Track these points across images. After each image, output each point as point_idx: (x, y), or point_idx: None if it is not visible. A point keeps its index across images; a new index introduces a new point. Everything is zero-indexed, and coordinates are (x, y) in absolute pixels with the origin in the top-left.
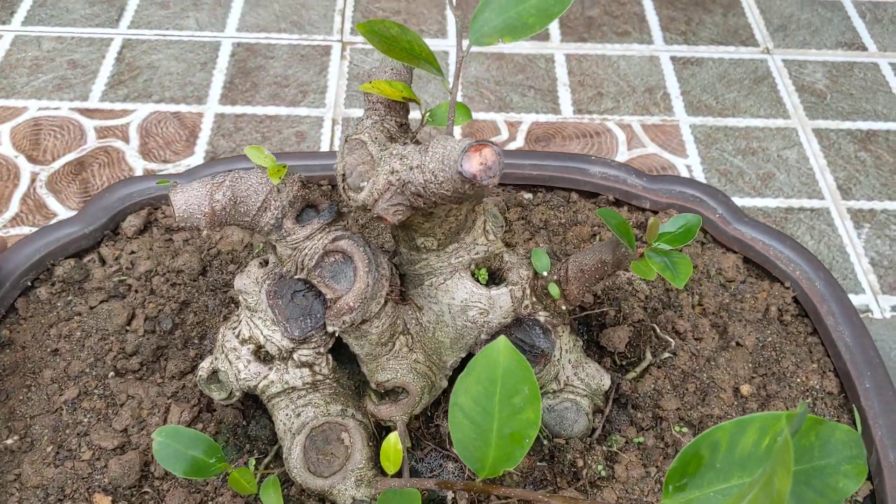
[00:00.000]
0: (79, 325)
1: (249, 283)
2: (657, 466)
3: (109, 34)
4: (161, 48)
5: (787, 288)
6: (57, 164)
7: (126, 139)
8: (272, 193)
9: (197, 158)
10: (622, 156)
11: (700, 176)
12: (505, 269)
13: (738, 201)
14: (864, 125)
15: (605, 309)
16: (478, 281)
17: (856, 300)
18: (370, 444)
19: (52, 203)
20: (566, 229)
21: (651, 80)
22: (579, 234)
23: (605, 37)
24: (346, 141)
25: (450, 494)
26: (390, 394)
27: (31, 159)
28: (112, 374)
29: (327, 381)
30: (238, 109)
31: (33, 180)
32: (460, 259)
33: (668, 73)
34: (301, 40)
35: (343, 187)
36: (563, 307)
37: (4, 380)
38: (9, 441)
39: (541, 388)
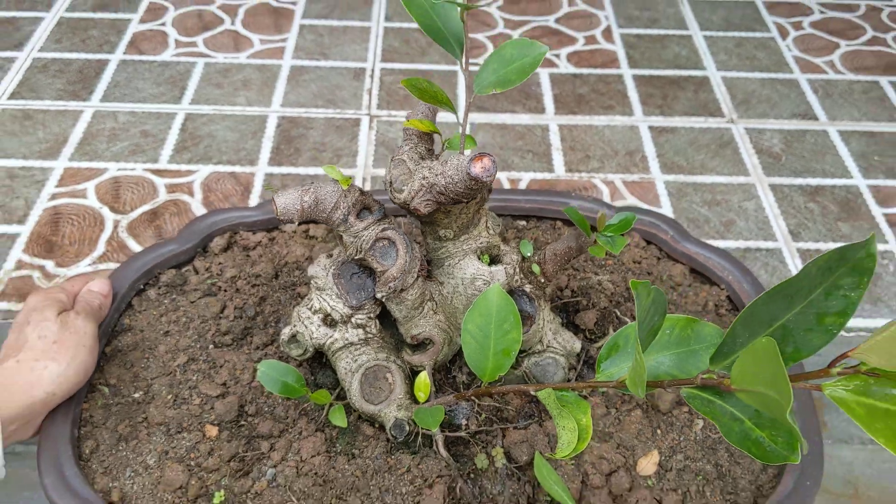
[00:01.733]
0: (183, 314)
1: (319, 269)
2: (616, 408)
3: (174, 109)
4: (217, 120)
5: (722, 289)
6: (134, 214)
7: (191, 193)
8: (341, 197)
9: None
10: None
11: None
12: (501, 254)
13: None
14: (814, 181)
15: (578, 299)
16: (481, 262)
17: None
18: (406, 382)
19: (131, 244)
20: None
21: (631, 145)
22: None
23: (593, 110)
24: (391, 160)
25: (464, 421)
26: (420, 346)
27: (113, 209)
28: (211, 346)
29: (375, 338)
30: (284, 170)
31: (115, 226)
32: (469, 246)
33: (646, 140)
34: (335, 114)
35: (390, 190)
36: (542, 281)
37: (128, 354)
38: (136, 395)
39: (528, 349)
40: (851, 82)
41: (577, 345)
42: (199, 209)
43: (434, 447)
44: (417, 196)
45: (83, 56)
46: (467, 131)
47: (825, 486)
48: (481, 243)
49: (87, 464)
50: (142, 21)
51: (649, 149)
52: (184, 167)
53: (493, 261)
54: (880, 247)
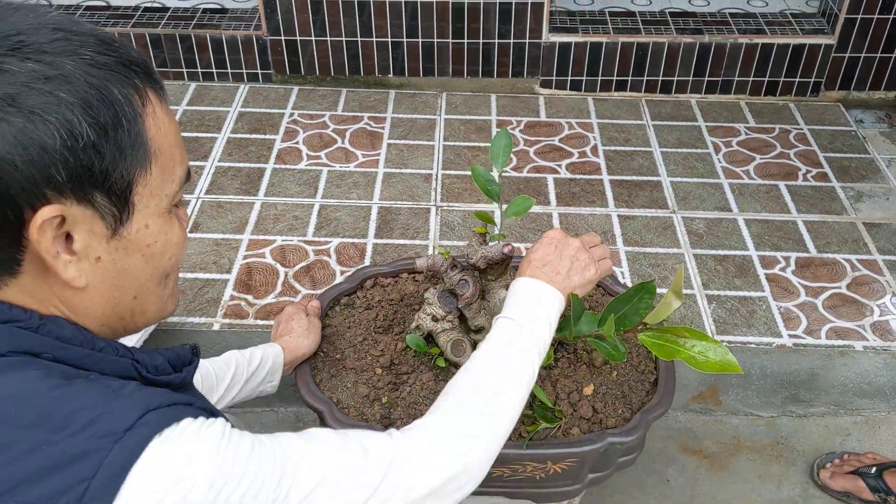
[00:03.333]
0: (356, 318)
1: (430, 295)
2: (572, 363)
3: (312, 202)
4: (340, 209)
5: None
6: (296, 268)
7: (329, 255)
8: (444, 261)
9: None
10: None
11: (628, 279)
12: None
13: None
14: (722, 252)
15: None
16: (506, 290)
17: None
18: (472, 347)
19: (297, 286)
20: None
21: (605, 226)
22: None
23: (581, 203)
24: (469, 244)
25: None
26: (478, 331)
27: (282, 265)
28: (372, 333)
29: (457, 327)
30: (383, 241)
31: (286, 275)
32: (500, 283)
33: (615, 223)
34: (413, 205)
35: (466, 257)
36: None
37: (331, 337)
38: (337, 356)
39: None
40: (759, 185)
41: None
42: (335, 266)
43: None
44: (479, 261)
45: (248, 165)
46: (498, 228)
47: (686, 397)
48: (505, 282)
49: (318, 386)
50: (282, 140)
51: (617, 230)
52: (322, 239)
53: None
54: (757, 294)
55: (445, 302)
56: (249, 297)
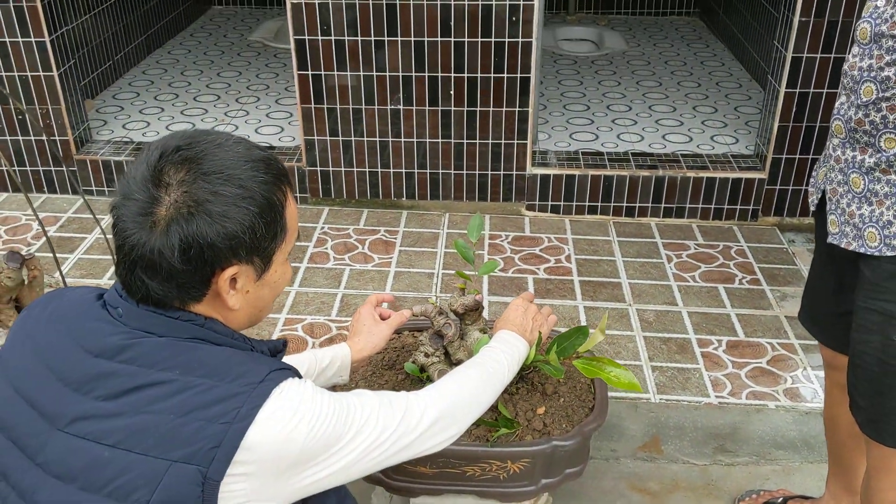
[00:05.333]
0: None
1: (423, 337)
2: (528, 391)
3: (336, 291)
4: (359, 298)
5: None
6: (321, 339)
7: (348, 330)
8: (433, 309)
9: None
10: None
11: None
12: (488, 329)
13: None
14: (668, 335)
15: None
16: (479, 332)
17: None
18: None
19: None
20: None
21: (573, 316)
22: None
23: (554, 297)
24: (454, 295)
25: None
26: (459, 363)
27: (311, 336)
28: (380, 369)
29: (443, 360)
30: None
31: (312, 344)
32: (475, 327)
33: (581, 313)
34: (418, 295)
35: (450, 304)
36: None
37: None
38: (351, 385)
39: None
40: (701, 287)
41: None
42: None
43: None
44: (458, 307)
45: None
46: (473, 285)
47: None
48: (479, 326)
49: None
50: (315, 247)
51: (582, 317)
52: (344, 318)
53: (483, 331)
54: (692, 366)
55: (434, 341)
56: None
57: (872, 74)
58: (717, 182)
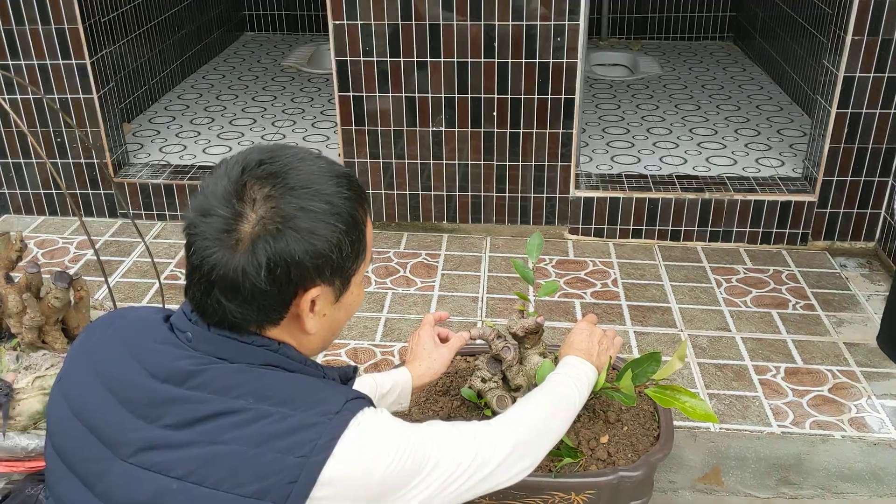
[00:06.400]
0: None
1: (479, 362)
2: (591, 419)
3: (379, 315)
4: (402, 322)
5: None
6: (366, 364)
7: (393, 356)
8: (492, 332)
9: None
10: None
11: None
12: (548, 354)
13: None
14: (723, 361)
15: None
16: (539, 356)
17: None
18: (513, 401)
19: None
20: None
21: (623, 340)
22: None
23: (603, 321)
24: (511, 318)
25: None
26: (517, 389)
27: (354, 361)
28: (434, 395)
29: (500, 386)
30: None
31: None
32: (535, 350)
33: (631, 338)
34: (463, 319)
35: (509, 326)
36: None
37: None
38: (404, 413)
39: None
40: (754, 313)
41: None
42: (397, 363)
43: None
44: (519, 330)
45: None
46: (532, 306)
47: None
48: (539, 349)
49: None
50: None
51: (633, 343)
52: (387, 343)
53: (543, 355)
54: (751, 393)
55: (491, 366)
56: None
57: None
58: (765, 205)
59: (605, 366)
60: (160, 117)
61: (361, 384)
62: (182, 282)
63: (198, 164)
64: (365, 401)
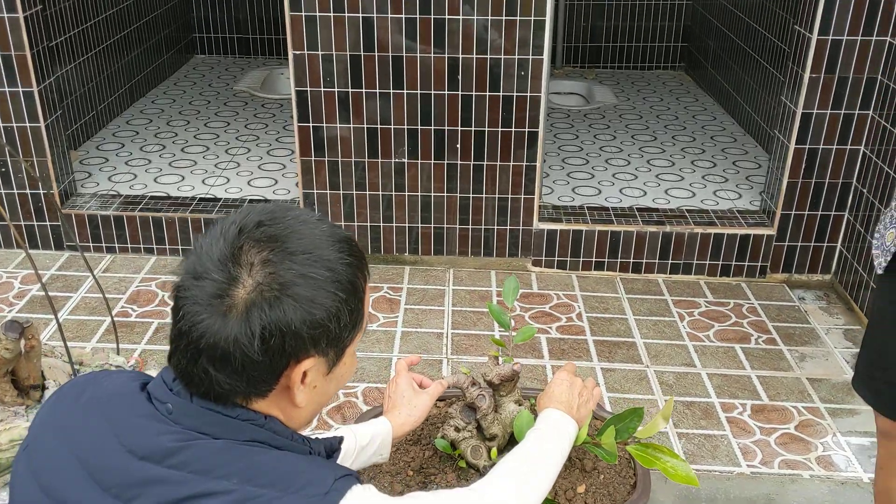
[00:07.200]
0: None
1: (453, 410)
2: (568, 469)
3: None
4: (366, 360)
5: None
6: (329, 407)
7: (356, 398)
8: (466, 379)
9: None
10: None
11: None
12: (524, 401)
13: None
14: (689, 399)
15: None
16: (514, 404)
17: None
18: (487, 452)
19: (329, 421)
20: None
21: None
22: None
23: (569, 358)
24: (486, 364)
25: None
26: (492, 439)
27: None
28: (405, 444)
29: (475, 436)
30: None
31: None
32: (510, 398)
33: (598, 375)
34: (428, 356)
35: (484, 374)
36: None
37: None
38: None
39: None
40: (717, 347)
41: None
42: (362, 405)
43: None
44: (494, 377)
45: None
46: (509, 352)
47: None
48: (515, 397)
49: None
50: None
51: (600, 380)
52: (350, 384)
53: (518, 403)
54: (719, 432)
55: (465, 414)
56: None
57: None
58: (724, 238)
59: (586, 420)
60: (108, 144)
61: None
62: (134, 319)
63: (149, 195)
64: (353, 477)
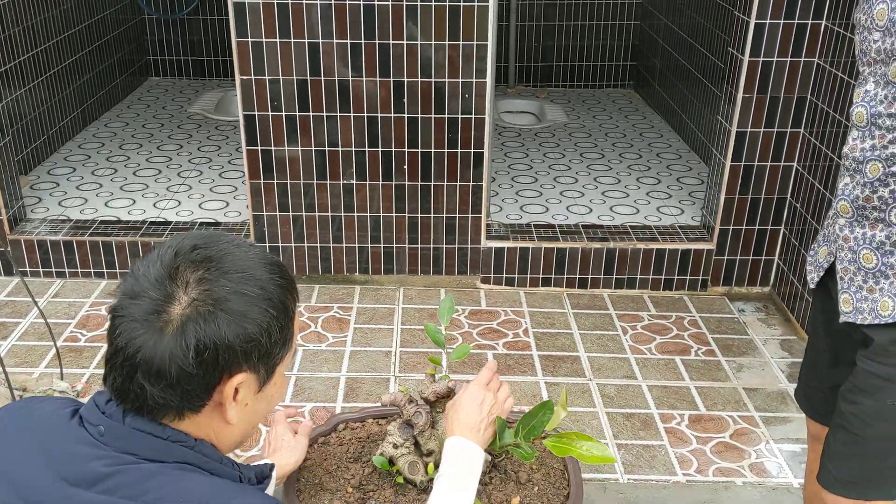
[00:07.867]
0: (330, 452)
1: (392, 427)
2: (502, 480)
3: (288, 374)
4: (313, 380)
5: None
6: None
7: (303, 417)
8: (403, 397)
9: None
10: None
11: None
12: None
13: None
14: (630, 410)
15: None
16: None
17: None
18: (424, 467)
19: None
20: None
21: (534, 391)
22: None
23: (515, 373)
24: (422, 382)
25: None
26: (429, 454)
27: (264, 424)
28: (345, 462)
29: (412, 451)
30: (350, 405)
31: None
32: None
33: (542, 389)
34: (376, 375)
35: (420, 391)
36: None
37: (312, 467)
38: (315, 481)
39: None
40: (658, 360)
41: None
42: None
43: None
44: (430, 395)
45: None
46: (445, 370)
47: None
48: None
49: (299, 495)
50: None
51: (545, 395)
52: (298, 403)
53: None
54: (657, 442)
55: (403, 431)
56: (237, 451)
57: (876, 153)
58: (666, 253)
59: (490, 440)
60: (60, 168)
61: None
62: (83, 343)
63: (99, 219)
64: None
